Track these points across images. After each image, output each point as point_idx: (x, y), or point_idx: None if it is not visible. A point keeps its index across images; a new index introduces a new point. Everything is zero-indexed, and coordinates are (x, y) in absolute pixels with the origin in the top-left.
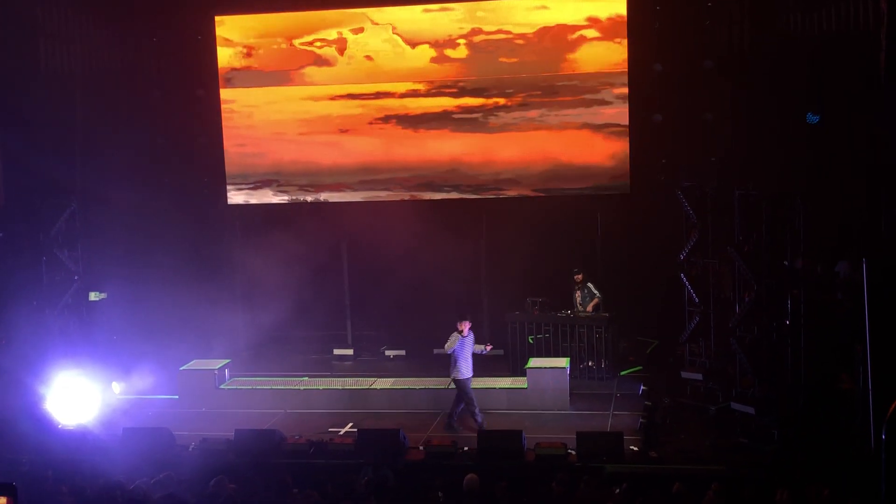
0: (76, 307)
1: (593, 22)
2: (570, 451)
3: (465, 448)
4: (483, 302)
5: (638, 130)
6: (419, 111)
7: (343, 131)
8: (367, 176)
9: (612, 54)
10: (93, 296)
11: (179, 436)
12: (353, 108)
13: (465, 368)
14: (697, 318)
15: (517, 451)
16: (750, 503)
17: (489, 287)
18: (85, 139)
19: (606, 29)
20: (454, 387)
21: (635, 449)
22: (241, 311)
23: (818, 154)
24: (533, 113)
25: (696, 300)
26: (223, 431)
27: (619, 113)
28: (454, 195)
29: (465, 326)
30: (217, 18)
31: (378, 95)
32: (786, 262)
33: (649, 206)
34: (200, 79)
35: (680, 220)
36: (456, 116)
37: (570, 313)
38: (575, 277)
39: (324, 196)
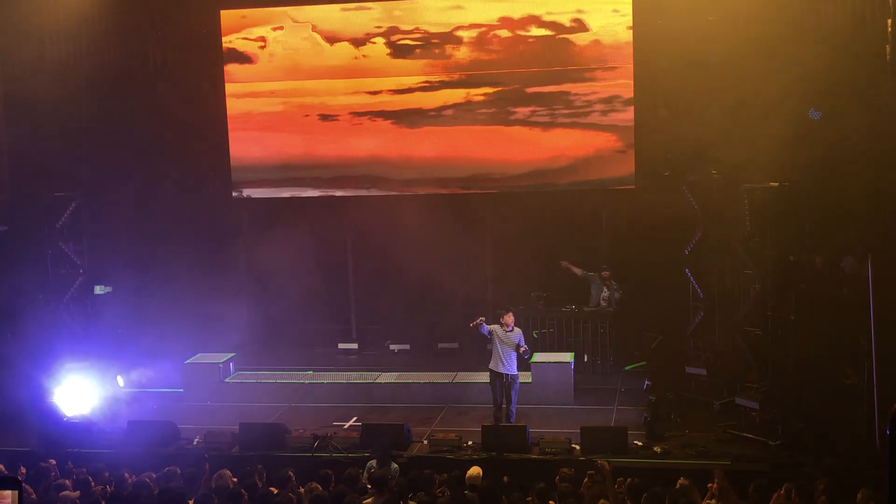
0: (81, 300)
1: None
2: (574, 445)
3: (470, 442)
4: (488, 296)
5: (643, 124)
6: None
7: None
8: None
9: (617, 48)
10: (98, 289)
11: (184, 429)
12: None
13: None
14: (702, 313)
15: (521, 445)
16: (755, 498)
17: (494, 281)
18: (90, 132)
19: (611, 23)
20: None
21: (640, 443)
22: (246, 304)
23: (824, 148)
24: (538, 107)
25: (701, 295)
26: (228, 425)
27: (625, 107)
28: (459, 190)
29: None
30: (223, 13)
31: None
32: (791, 257)
33: (654, 201)
34: (205, 72)
35: (685, 214)
36: (465, 110)
37: (575, 308)
38: (602, 274)
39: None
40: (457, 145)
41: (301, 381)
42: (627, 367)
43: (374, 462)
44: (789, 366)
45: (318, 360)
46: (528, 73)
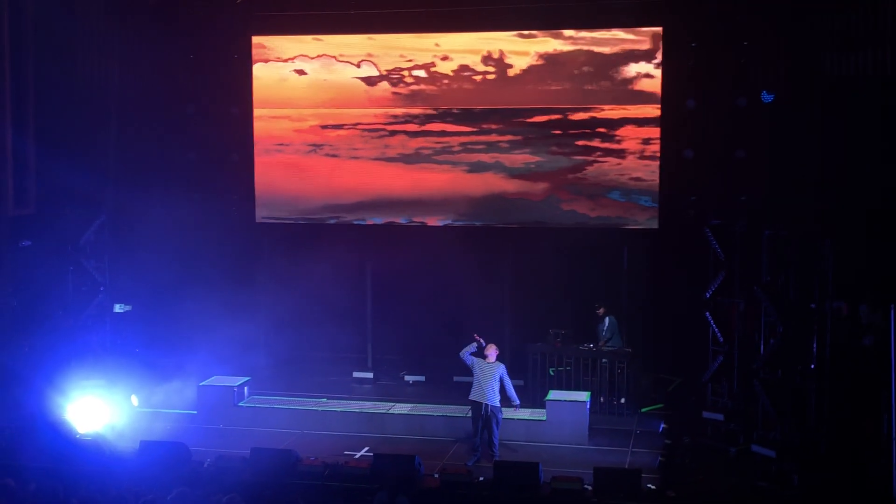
0: (100, 318)
1: (629, 56)
2: (586, 486)
3: (481, 478)
4: (505, 331)
5: (668, 166)
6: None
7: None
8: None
9: (645, 88)
10: (118, 308)
11: (196, 451)
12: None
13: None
14: (721, 358)
15: (533, 483)
16: None
17: (512, 317)
18: (118, 153)
19: (641, 62)
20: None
21: (653, 487)
22: (264, 329)
23: (848, 197)
24: (564, 145)
25: (721, 339)
26: (239, 449)
27: (651, 147)
28: (480, 223)
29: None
30: (254, 39)
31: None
32: (812, 305)
33: (677, 243)
34: (235, 97)
35: (707, 257)
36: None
37: (593, 347)
38: (597, 311)
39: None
40: (480, 179)
41: (314, 409)
42: (644, 409)
43: (383, 494)
44: (808, 415)
45: (333, 388)
46: (554, 109)
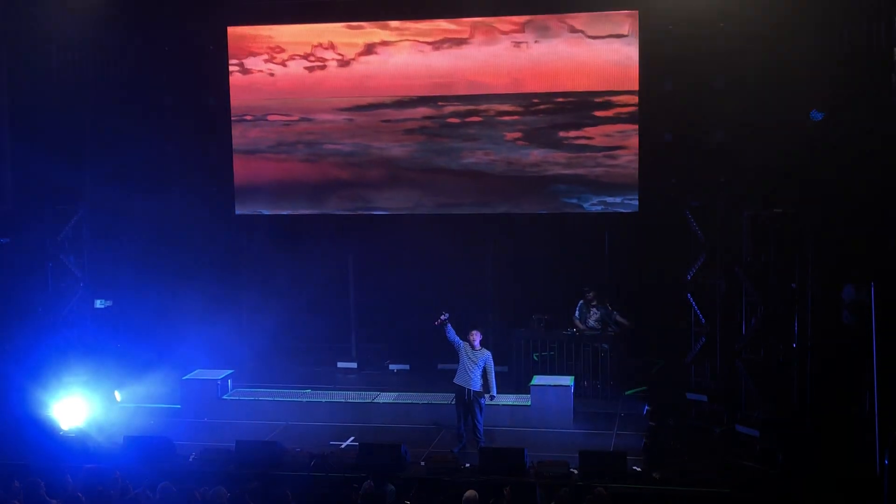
0: (81, 314)
1: (605, 39)
2: (572, 469)
3: (467, 464)
4: (489, 318)
5: (647, 149)
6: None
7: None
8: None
9: (623, 72)
10: (98, 303)
11: (180, 445)
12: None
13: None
14: (703, 339)
15: (519, 468)
16: None
17: (495, 303)
18: (95, 146)
19: (617, 45)
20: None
21: (638, 469)
22: (247, 321)
23: (828, 176)
24: (542, 129)
25: (703, 321)
26: (224, 442)
27: (629, 131)
28: (462, 210)
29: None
30: (230, 29)
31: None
32: (793, 284)
33: (657, 226)
34: (212, 88)
35: (688, 239)
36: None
37: (576, 331)
38: (587, 296)
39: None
40: (460, 164)
41: (299, 400)
42: (628, 392)
43: (370, 483)
44: (790, 394)
45: (317, 379)
46: (533, 95)
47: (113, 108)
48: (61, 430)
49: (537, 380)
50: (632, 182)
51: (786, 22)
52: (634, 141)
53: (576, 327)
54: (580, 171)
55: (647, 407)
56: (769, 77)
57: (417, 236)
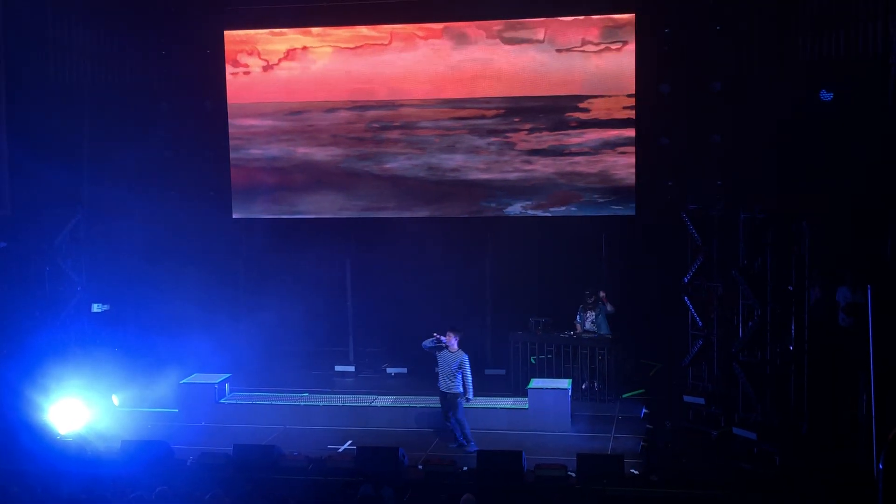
0: (78, 318)
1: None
2: (570, 472)
3: (465, 468)
4: (486, 321)
5: (644, 152)
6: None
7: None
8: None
9: (619, 75)
10: (95, 307)
11: (178, 449)
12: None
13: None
14: (700, 342)
15: (517, 471)
16: None
17: (493, 306)
18: (92, 150)
19: (613, 50)
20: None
21: (636, 472)
22: (244, 325)
23: (826, 178)
24: (539, 133)
25: (700, 323)
26: (222, 446)
27: (626, 134)
28: (459, 213)
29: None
30: (227, 33)
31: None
32: (790, 287)
33: (654, 229)
34: (208, 92)
35: (685, 242)
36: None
37: (574, 334)
38: (589, 300)
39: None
40: (456, 167)
41: (297, 404)
42: (625, 395)
43: (367, 486)
44: (788, 396)
45: (315, 383)
46: (529, 98)
47: (109, 113)
48: (59, 434)
49: (535, 383)
50: (629, 185)
51: (782, 25)
52: (631, 144)
53: (574, 330)
54: (578, 173)
55: (644, 410)
56: (765, 80)
57: (415, 239)
